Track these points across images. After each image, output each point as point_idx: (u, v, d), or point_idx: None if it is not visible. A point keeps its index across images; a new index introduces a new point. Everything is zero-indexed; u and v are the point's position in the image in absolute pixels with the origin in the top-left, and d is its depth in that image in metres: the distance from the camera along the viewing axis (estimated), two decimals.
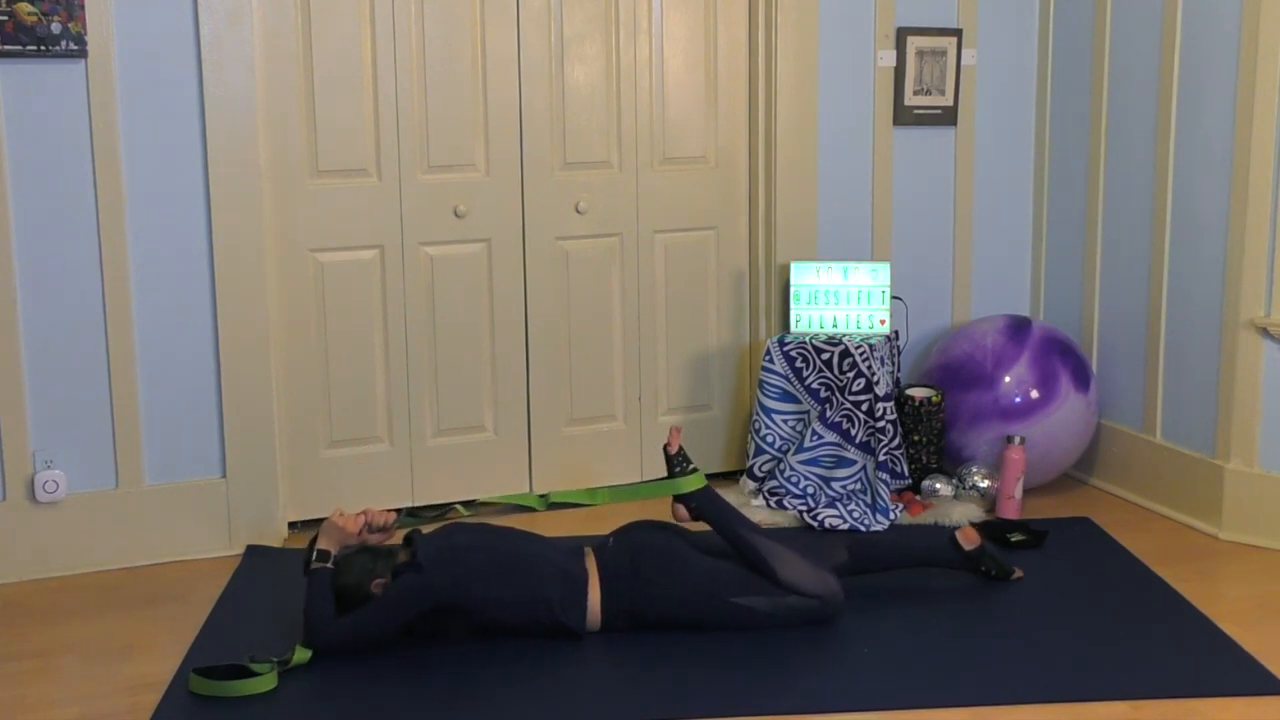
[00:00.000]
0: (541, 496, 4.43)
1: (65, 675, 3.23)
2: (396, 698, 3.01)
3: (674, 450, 3.58)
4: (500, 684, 3.06)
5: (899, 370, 4.54)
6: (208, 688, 3.02)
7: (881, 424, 4.23)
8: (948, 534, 3.70)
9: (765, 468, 4.37)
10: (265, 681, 3.04)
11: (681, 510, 3.52)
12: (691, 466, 3.56)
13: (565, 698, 3.01)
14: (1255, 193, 3.90)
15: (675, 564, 3.32)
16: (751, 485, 4.38)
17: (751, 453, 4.41)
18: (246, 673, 3.05)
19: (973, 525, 4.05)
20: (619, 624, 3.29)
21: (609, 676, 3.11)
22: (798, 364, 4.35)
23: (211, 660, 3.17)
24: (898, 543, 3.92)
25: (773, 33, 4.46)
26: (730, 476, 4.65)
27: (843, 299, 4.44)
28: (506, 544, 3.35)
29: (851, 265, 4.45)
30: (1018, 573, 3.66)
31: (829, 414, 4.29)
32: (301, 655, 3.14)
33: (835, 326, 4.45)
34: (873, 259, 4.64)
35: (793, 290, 4.45)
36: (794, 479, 4.27)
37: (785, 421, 4.38)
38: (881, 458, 4.23)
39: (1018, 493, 4.19)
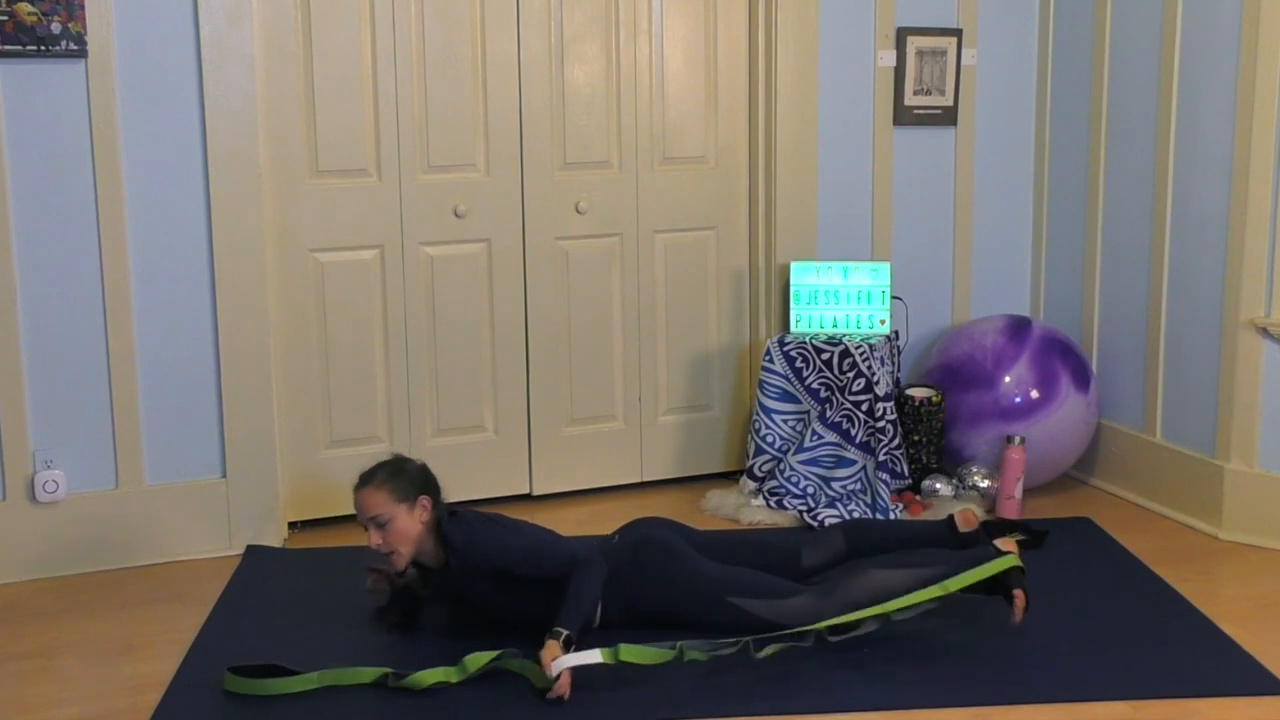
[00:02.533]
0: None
1: (65, 675, 3.23)
2: (394, 698, 3.01)
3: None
4: (500, 684, 3.06)
5: (899, 370, 4.54)
6: (244, 686, 3.01)
7: (881, 424, 4.23)
8: (947, 514, 3.70)
9: (765, 468, 4.37)
10: (303, 681, 3.02)
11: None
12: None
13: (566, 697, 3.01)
14: (1255, 193, 3.90)
15: (676, 559, 3.33)
16: (751, 485, 4.37)
17: (751, 453, 4.41)
18: (283, 671, 3.05)
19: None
20: (616, 619, 3.29)
21: (609, 676, 3.10)
22: (798, 364, 4.35)
23: (211, 660, 3.17)
24: (893, 526, 3.92)
25: (773, 33, 4.46)
26: (730, 476, 4.65)
27: (843, 299, 4.44)
28: (534, 531, 3.36)
29: (851, 265, 4.45)
30: None
31: (829, 414, 4.29)
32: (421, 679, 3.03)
33: (835, 326, 4.45)
34: (873, 259, 4.64)
35: (793, 290, 4.45)
36: (794, 479, 4.27)
37: (785, 421, 4.37)
38: (881, 458, 4.23)
39: (1018, 493, 4.19)
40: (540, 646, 3.02)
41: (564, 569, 3.18)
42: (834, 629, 3.17)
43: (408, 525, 3.22)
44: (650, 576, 3.30)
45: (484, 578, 3.24)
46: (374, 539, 3.24)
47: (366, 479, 3.28)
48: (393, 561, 3.26)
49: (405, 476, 3.27)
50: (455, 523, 3.26)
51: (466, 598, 3.32)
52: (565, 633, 3.03)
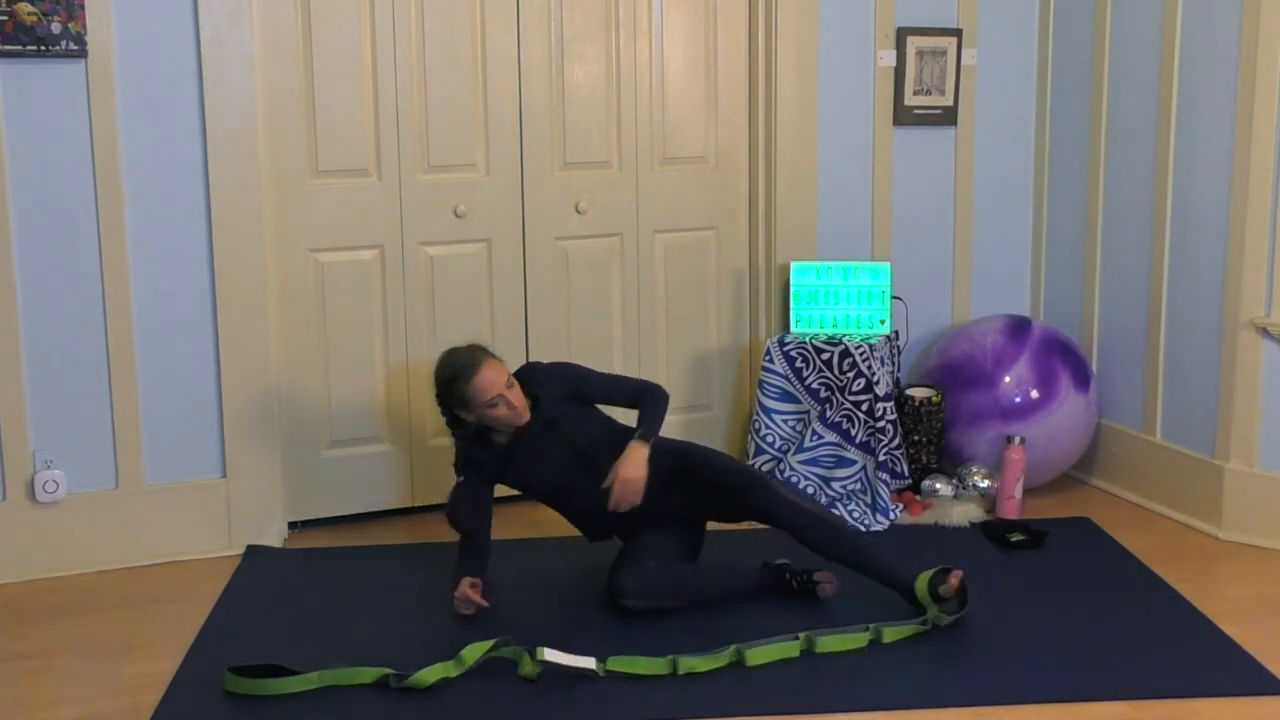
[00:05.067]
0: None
1: (65, 675, 3.23)
2: (394, 697, 3.01)
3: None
4: (499, 682, 3.06)
5: (899, 370, 4.54)
6: (244, 686, 3.01)
7: (881, 424, 4.23)
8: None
9: (765, 468, 4.37)
10: (303, 681, 3.02)
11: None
12: None
13: (564, 696, 3.01)
14: (1255, 192, 3.90)
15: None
16: None
17: (751, 453, 4.40)
18: (283, 671, 3.05)
19: (973, 525, 4.08)
20: (673, 492, 3.57)
21: (609, 676, 3.11)
22: (798, 364, 4.35)
23: (211, 660, 3.17)
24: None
25: (773, 32, 4.46)
26: None
27: (843, 299, 4.44)
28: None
29: (851, 265, 4.45)
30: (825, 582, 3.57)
31: (829, 414, 4.28)
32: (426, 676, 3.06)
33: (835, 326, 4.45)
34: (873, 259, 4.64)
35: (793, 290, 4.45)
36: (794, 479, 4.26)
37: (785, 421, 4.37)
38: (881, 458, 4.23)
39: (1018, 493, 4.19)
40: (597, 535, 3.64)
41: (636, 392, 3.64)
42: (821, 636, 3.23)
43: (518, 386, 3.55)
44: (690, 459, 3.61)
45: (567, 410, 3.56)
46: (514, 399, 3.47)
47: (479, 357, 3.48)
48: (519, 417, 3.50)
49: None
50: (526, 368, 3.67)
51: (554, 443, 3.55)
52: (648, 432, 3.50)
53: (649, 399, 3.62)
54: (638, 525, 3.59)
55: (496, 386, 3.44)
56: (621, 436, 3.57)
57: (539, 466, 3.58)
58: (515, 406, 3.49)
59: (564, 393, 3.59)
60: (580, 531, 3.72)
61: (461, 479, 3.59)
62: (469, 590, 3.42)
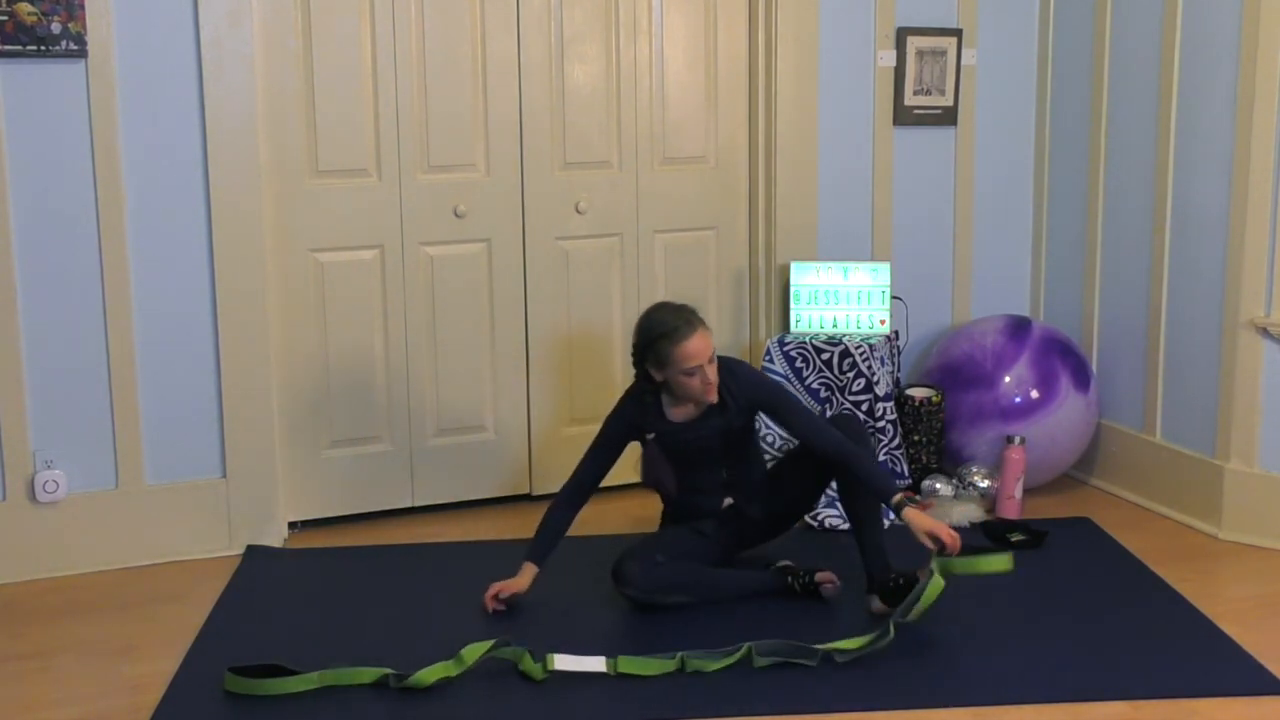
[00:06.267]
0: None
1: (65, 675, 3.23)
2: (393, 697, 3.01)
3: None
4: (500, 683, 3.06)
5: (899, 370, 4.54)
6: (244, 686, 3.02)
7: (881, 424, 4.23)
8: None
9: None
10: (303, 681, 3.02)
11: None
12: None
13: (566, 696, 3.01)
14: (1255, 193, 3.90)
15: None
16: None
17: None
18: (283, 671, 3.05)
19: (973, 525, 4.07)
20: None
21: (609, 676, 3.11)
22: (798, 364, 4.35)
23: (211, 660, 3.18)
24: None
25: (773, 32, 4.46)
26: None
27: (843, 299, 4.44)
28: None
29: (851, 265, 4.45)
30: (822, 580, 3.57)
31: (829, 414, 4.28)
32: (429, 676, 3.05)
33: (835, 326, 4.45)
34: (873, 259, 4.64)
35: (793, 290, 4.45)
36: None
37: None
38: (881, 458, 4.23)
39: (1018, 493, 4.19)
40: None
41: (840, 448, 3.45)
42: (841, 650, 3.17)
43: None
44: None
45: (747, 422, 3.56)
46: (710, 375, 3.42)
47: (694, 321, 3.43)
48: (708, 395, 3.45)
49: None
50: (727, 361, 3.56)
51: (718, 445, 3.54)
52: (903, 499, 3.36)
53: (868, 463, 3.47)
54: (731, 524, 3.66)
55: (701, 356, 3.39)
56: (762, 469, 3.72)
57: (690, 453, 3.56)
58: (710, 382, 3.43)
59: (754, 405, 3.55)
60: (665, 512, 3.76)
61: (650, 436, 3.56)
62: (489, 599, 3.45)
